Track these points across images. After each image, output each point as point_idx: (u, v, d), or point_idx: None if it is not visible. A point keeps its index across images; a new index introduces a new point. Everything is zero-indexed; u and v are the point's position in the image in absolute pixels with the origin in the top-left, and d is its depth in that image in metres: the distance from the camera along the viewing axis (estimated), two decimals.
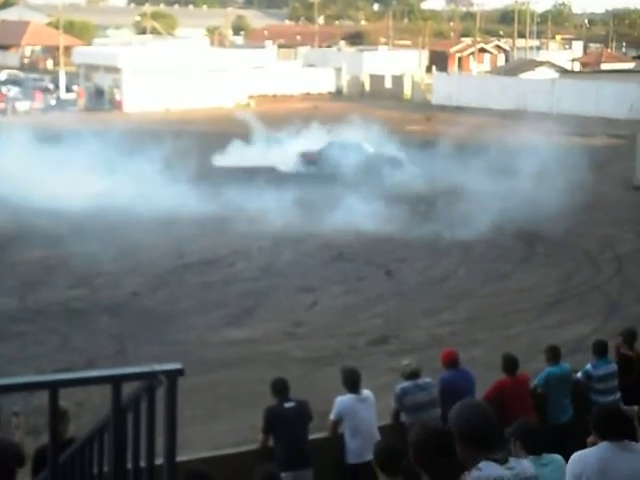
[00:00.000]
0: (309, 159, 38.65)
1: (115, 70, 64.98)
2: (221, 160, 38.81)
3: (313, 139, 39.92)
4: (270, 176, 34.92)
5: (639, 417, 7.63)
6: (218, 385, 16.26)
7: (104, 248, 25.08)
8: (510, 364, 10.65)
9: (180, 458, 7.32)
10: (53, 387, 3.96)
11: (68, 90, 69.31)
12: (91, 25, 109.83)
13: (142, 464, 4.49)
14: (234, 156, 38.83)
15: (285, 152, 38.63)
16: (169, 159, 33.25)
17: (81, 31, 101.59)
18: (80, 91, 66.75)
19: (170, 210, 28.21)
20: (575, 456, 6.17)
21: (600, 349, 11.27)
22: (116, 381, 4.06)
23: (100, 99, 65.56)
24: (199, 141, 40.88)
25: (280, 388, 9.80)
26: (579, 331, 18.83)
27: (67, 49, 75.64)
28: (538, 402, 10.85)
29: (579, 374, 11.25)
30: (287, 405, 9.68)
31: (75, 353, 17.68)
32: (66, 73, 71.48)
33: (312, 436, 9.99)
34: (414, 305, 21.39)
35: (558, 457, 7.59)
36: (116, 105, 64.17)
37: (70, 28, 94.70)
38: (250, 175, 34.64)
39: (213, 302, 21.51)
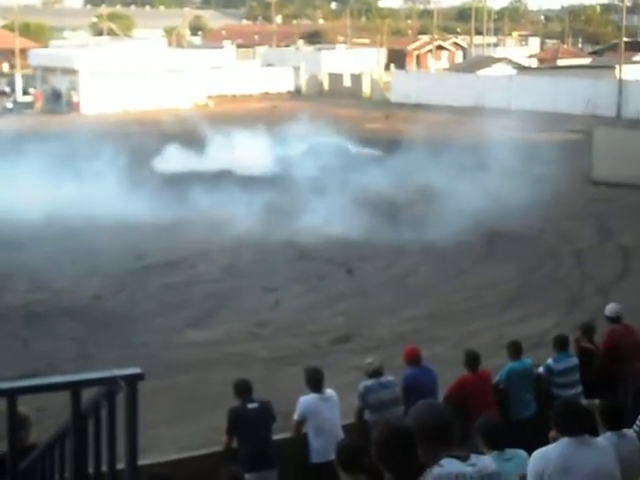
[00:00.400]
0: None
1: (72, 72, 64.51)
2: (163, 164, 37.42)
3: (272, 140, 39.75)
4: (230, 180, 34.39)
5: (600, 410, 7.68)
6: (181, 387, 16.19)
7: (62, 252, 24.84)
8: (472, 360, 10.69)
9: (143, 462, 7.29)
10: (10, 395, 3.93)
11: (25, 93, 68.77)
12: (47, 27, 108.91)
13: (104, 469, 4.47)
14: (177, 160, 37.67)
15: (242, 154, 38.10)
16: (126, 162, 32.99)
17: (37, 33, 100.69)
18: (37, 94, 66.19)
19: (128, 215, 27.86)
20: (536, 453, 6.20)
21: (561, 343, 11.35)
22: (75, 387, 4.04)
23: (57, 101, 65.06)
24: (157, 143, 40.60)
25: (243, 389, 9.78)
26: (541, 325, 18.95)
27: (23, 51, 74.91)
28: (500, 398, 10.90)
29: (540, 369, 11.31)
30: (250, 406, 9.66)
31: (36, 358, 17.51)
32: (22, 76, 70.90)
33: (276, 436, 9.98)
34: (376, 303, 21.43)
35: (521, 452, 7.63)
36: (73, 107, 63.67)
37: (26, 30, 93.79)
38: (206, 179, 33.89)
39: (175, 304, 21.41)
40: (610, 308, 12.22)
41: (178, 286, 22.85)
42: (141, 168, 34.25)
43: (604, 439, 7.04)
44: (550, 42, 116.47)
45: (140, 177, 32.00)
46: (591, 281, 22.84)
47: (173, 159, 37.85)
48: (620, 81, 60.57)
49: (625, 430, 7.55)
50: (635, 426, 8.24)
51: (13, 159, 32.86)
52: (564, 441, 6.15)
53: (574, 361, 11.29)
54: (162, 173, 35.62)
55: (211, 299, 21.73)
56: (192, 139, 40.13)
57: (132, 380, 4.02)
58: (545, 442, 6.95)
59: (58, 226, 26.84)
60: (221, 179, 33.58)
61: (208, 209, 28.63)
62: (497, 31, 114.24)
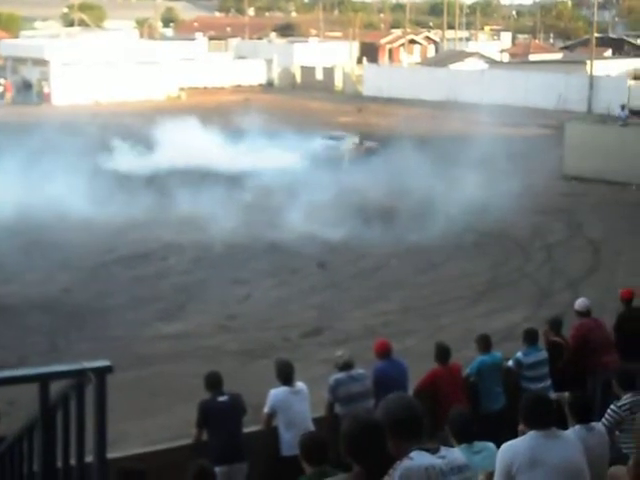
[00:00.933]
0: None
1: (43, 63, 64.07)
2: (115, 162, 36.28)
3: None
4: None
5: (569, 404, 7.73)
6: (152, 380, 16.15)
7: (31, 246, 24.56)
8: (442, 353, 10.72)
9: (113, 455, 7.29)
10: None
11: None
12: (18, 17, 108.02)
13: (72, 462, 4.45)
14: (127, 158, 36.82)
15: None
16: (93, 156, 32.70)
17: (7, 23, 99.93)
18: (7, 84, 65.65)
19: (96, 210, 27.52)
20: (504, 446, 6.23)
21: (530, 337, 11.40)
22: (44, 380, 4.02)
23: (28, 92, 64.55)
24: (126, 135, 40.31)
25: (213, 382, 9.77)
26: (510, 319, 19.05)
27: None
28: (470, 391, 10.94)
29: (510, 362, 11.37)
30: (221, 399, 9.65)
31: (6, 350, 17.38)
32: None
33: (246, 429, 9.97)
34: (347, 296, 21.45)
35: (490, 445, 7.66)
36: (44, 98, 63.24)
37: None
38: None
39: (145, 297, 21.33)
40: (579, 302, 12.31)
41: (148, 279, 22.75)
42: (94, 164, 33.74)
43: (573, 432, 7.09)
44: (522, 37, 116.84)
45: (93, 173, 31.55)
46: (560, 275, 22.98)
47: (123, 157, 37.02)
48: (591, 76, 60.92)
49: (594, 423, 7.60)
50: (604, 419, 8.30)
51: None
52: (532, 434, 6.17)
53: (543, 355, 11.35)
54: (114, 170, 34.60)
55: (181, 292, 21.66)
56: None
57: (101, 372, 4.01)
58: (514, 435, 6.98)
59: (26, 220, 26.46)
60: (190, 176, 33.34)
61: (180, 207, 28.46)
62: (469, 25, 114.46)
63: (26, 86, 64.92)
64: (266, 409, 9.89)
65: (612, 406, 8.46)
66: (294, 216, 26.46)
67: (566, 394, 8.77)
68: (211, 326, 19.35)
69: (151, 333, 18.88)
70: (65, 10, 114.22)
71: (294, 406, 9.79)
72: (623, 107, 50.62)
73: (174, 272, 23.42)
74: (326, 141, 39.83)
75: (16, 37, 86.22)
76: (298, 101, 57.18)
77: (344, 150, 38.72)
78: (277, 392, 9.85)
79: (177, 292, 21.66)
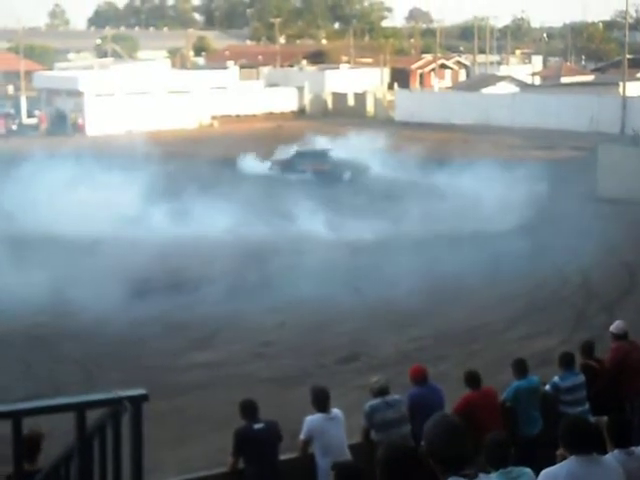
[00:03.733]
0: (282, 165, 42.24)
1: (77, 94, 64.80)
2: None
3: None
4: None
5: (608, 428, 7.64)
6: (187, 408, 16.15)
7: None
8: (472, 379, 10.65)
9: None
10: (16, 417, 3.91)
11: (30, 115, 68.98)
12: (51, 49, 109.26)
13: None
14: None
15: None
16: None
17: (41, 56, 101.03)
18: (42, 116, 66.39)
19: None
20: (544, 472, 6.16)
21: (567, 361, 11.31)
22: (80, 409, 4.03)
23: (62, 123, 65.26)
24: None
25: (249, 409, 9.74)
26: (546, 343, 18.90)
27: (27, 74, 75.21)
28: (507, 416, 10.86)
29: (547, 386, 11.28)
30: (257, 426, 9.62)
31: (42, 381, 17.45)
32: (27, 98, 71.11)
33: (283, 457, 9.93)
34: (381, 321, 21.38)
35: (527, 470, 7.58)
36: (78, 129, 63.90)
37: (30, 53, 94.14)
38: None
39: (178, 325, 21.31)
40: (616, 325, 12.20)
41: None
42: None
43: (612, 457, 7.00)
44: (553, 59, 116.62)
45: None
46: (596, 298, 22.79)
47: None
48: (624, 97, 60.62)
49: (633, 447, 7.51)
50: None
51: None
52: (572, 459, 6.10)
53: (581, 378, 11.25)
54: None
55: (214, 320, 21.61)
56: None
57: (137, 401, 4.02)
58: (552, 459, 6.91)
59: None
60: None
61: None
62: (500, 49, 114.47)
63: (60, 117, 65.63)
64: (302, 435, 9.87)
65: None
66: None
67: (604, 418, 8.67)
68: (245, 353, 19.35)
69: (184, 361, 18.88)
70: (98, 42, 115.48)
71: (330, 432, 9.76)
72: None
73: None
74: None
75: (50, 69, 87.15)
76: (330, 128, 57.24)
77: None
78: (313, 418, 9.82)
79: (211, 320, 21.62)
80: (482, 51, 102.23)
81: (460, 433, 4.63)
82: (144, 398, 4.03)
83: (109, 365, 18.51)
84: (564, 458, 6.40)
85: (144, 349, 19.65)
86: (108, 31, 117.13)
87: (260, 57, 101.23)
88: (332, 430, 9.77)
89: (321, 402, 9.86)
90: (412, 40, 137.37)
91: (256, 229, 29.06)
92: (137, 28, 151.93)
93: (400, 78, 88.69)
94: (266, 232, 28.94)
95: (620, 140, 49.46)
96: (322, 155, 43.11)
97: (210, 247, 27.33)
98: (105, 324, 20.89)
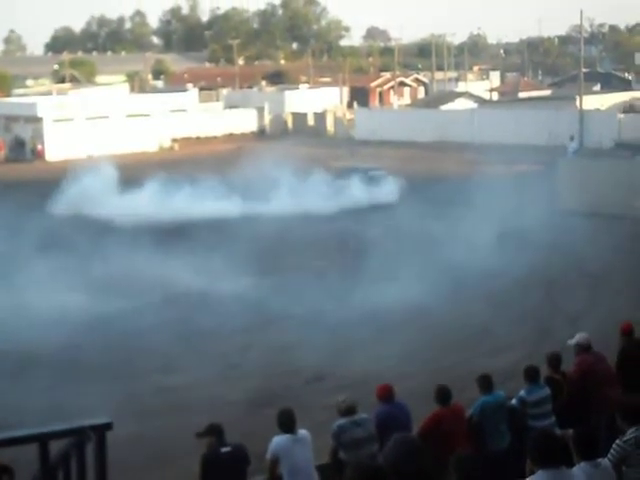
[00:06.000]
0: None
1: (35, 120, 64.48)
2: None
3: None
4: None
5: (574, 440, 7.67)
6: (153, 433, 16.03)
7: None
8: (442, 395, 10.67)
9: None
10: None
11: None
12: (9, 76, 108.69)
13: None
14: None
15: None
16: None
17: None
18: (0, 142, 66.00)
19: None
20: None
21: (532, 374, 11.36)
22: (43, 440, 3.98)
23: (21, 150, 64.93)
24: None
25: (214, 433, 9.68)
26: (511, 358, 18.97)
27: None
28: (474, 431, 10.88)
29: (513, 400, 11.32)
30: (224, 450, 9.57)
31: (3, 409, 17.22)
32: None
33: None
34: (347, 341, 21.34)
35: None
36: (38, 155, 63.57)
37: None
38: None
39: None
40: (580, 337, 12.27)
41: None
42: None
43: (579, 470, 7.04)
44: (510, 75, 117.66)
45: None
46: (560, 312, 22.92)
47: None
48: (581, 111, 61.24)
49: (600, 459, 7.54)
50: (609, 455, 8.24)
51: None
52: (540, 474, 6.13)
53: (546, 392, 11.29)
54: None
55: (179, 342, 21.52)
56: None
57: (100, 430, 3.98)
58: (521, 474, 6.93)
59: None
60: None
61: None
62: (458, 66, 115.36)
63: (19, 144, 65.26)
64: (268, 455, 9.79)
65: (617, 441, 8.40)
66: None
67: (570, 431, 8.72)
68: (213, 377, 19.25)
69: (150, 386, 18.76)
70: (56, 67, 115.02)
71: (297, 454, 9.72)
72: (572, 138, 50.98)
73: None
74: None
75: (8, 96, 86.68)
76: (291, 147, 57.33)
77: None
78: (279, 439, 9.78)
79: (176, 343, 21.51)
80: (440, 68, 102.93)
81: (418, 449, 4.64)
82: (108, 427, 3.99)
83: (75, 392, 18.31)
84: (533, 472, 6.42)
85: None
86: (66, 56, 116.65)
87: (219, 79, 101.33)
88: (299, 451, 9.73)
89: (287, 424, 9.82)
90: (370, 59, 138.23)
91: None
92: (95, 53, 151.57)
93: (359, 97, 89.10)
94: None
95: (580, 152, 49.96)
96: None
97: None
98: None
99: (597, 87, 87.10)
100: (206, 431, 9.67)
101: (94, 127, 64.54)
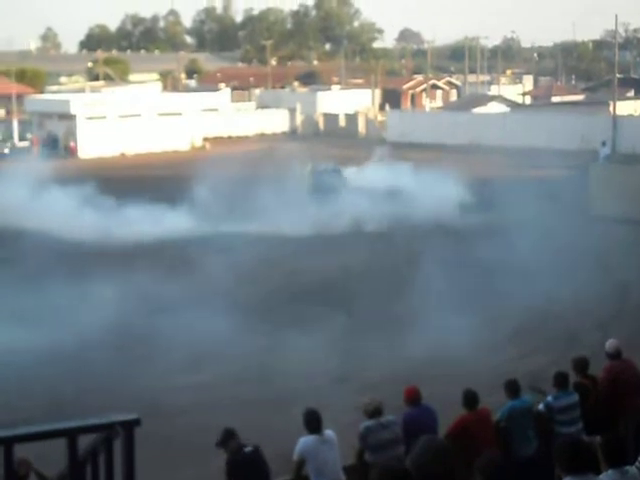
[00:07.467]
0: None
1: (68, 117, 64.87)
2: None
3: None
4: None
5: (602, 447, 7.61)
6: (180, 432, 16.07)
7: None
8: (470, 399, 10.64)
9: None
10: (7, 443, 3.88)
11: (22, 139, 69.05)
12: (43, 73, 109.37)
13: None
14: None
15: None
16: None
17: (33, 79, 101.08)
18: (34, 139, 66.48)
19: None
20: None
21: (560, 380, 11.29)
22: (71, 434, 4.00)
23: (55, 146, 65.31)
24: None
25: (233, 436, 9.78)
26: (539, 363, 18.87)
27: (19, 97, 75.29)
28: (501, 436, 10.84)
29: (540, 406, 11.26)
30: (247, 450, 9.65)
31: (32, 404, 17.32)
32: (19, 122, 71.19)
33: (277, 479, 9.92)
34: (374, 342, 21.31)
35: None
36: (71, 152, 63.96)
37: (22, 76, 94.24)
38: None
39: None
40: (609, 344, 12.18)
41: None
42: None
43: (606, 477, 6.98)
44: (543, 79, 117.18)
45: None
46: (590, 317, 22.78)
47: None
48: (614, 116, 60.86)
49: (627, 467, 7.48)
50: (637, 462, 8.17)
51: None
52: None
53: (574, 398, 11.22)
54: None
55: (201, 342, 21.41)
56: None
57: (129, 426, 4.00)
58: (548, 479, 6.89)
59: None
60: None
61: None
62: (490, 69, 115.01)
63: (52, 140, 65.65)
64: (295, 456, 9.83)
65: None
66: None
67: (598, 438, 8.66)
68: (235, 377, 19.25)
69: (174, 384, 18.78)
70: (90, 65, 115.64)
71: (323, 454, 9.73)
72: (604, 143, 50.51)
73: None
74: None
75: (42, 93, 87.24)
76: (322, 148, 57.39)
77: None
78: (306, 440, 9.79)
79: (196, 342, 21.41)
80: (473, 71, 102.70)
81: (445, 452, 4.63)
82: (136, 423, 4.01)
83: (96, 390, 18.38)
84: (561, 479, 6.38)
85: None
86: (100, 54, 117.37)
87: (252, 79, 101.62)
88: (325, 452, 9.73)
89: (313, 424, 9.83)
90: (403, 61, 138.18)
91: None
92: (129, 51, 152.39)
93: (391, 99, 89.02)
94: None
95: (611, 158, 49.66)
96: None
97: None
98: None
99: (631, 93, 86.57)
100: (225, 437, 9.73)
101: (126, 125, 64.87)
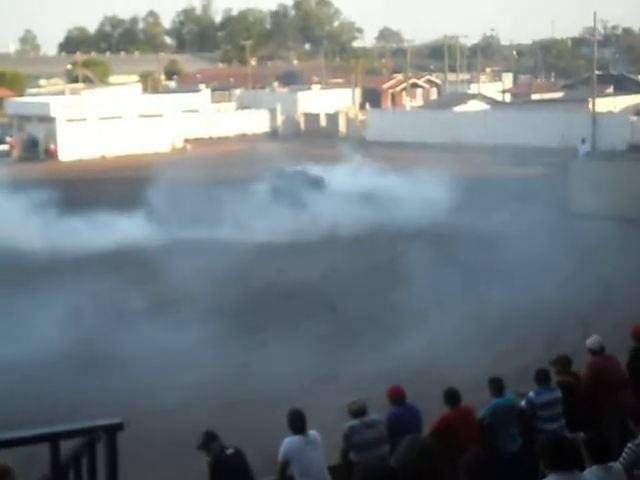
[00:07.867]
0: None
1: (48, 119, 64.61)
2: None
3: None
4: None
5: (585, 443, 7.64)
6: (163, 433, 16.03)
7: None
8: (452, 397, 10.66)
9: None
10: None
11: (1, 142, 68.75)
12: (22, 75, 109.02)
13: None
14: None
15: None
16: None
17: (12, 82, 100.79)
18: (14, 142, 66.21)
19: None
20: None
21: (542, 377, 11.32)
22: (53, 439, 3.98)
23: (35, 149, 65.05)
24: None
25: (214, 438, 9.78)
26: (522, 360, 18.91)
27: None
28: (485, 434, 10.86)
29: (522, 402, 11.29)
30: (229, 452, 9.65)
31: (14, 408, 17.24)
32: None
33: None
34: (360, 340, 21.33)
35: None
36: (51, 154, 63.72)
37: (1, 79, 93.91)
38: None
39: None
40: (592, 340, 12.22)
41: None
42: None
43: (590, 473, 7.01)
44: (523, 77, 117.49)
45: None
46: (572, 314, 22.83)
47: None
48: (593, 113, 61.06)
49: (611, 463, 7.51)
50: (621, 458, 8.20)
51: None
52: (552, 478, 6.11)
53: (557, 394, 11.25)
54: None
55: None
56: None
57: (112, 430, 3.98)
58: (532, 475, 6.91)
59: None
60: None
61: None
62: (470, 67, 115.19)
63: (32, 143, 65.40)
64: (280, 457, 9.83)
65: (629, 444, 8.37)
66: None
67: (581, 434, 8.69)
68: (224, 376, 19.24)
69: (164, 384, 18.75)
70: (69, 67, 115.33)
71: (308, 455, 9.73)
72: (584, 140, 50.67)
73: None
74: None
75: (21, 95, 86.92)
76: (303, 148, 57.42)
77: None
78: (290, 440, 9.80)
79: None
80: (453, 70, 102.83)
81: (430, 450, 4.64)
82: (119, 427, 3.99)
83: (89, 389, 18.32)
84: (545, 475, 6.40)
85: None
86: (79, 56, 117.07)
87: (232, 79, 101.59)
88: (310, 453, 9.74)
89: (298, 425, 9.83)
90: (383, 60, 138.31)
91: None
92: (108, 53, 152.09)
93: (372, 98, 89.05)
94: None
95: (591, 155, 49.81)
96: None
97: None
98: None
99: (610, 89, 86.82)
100: (206, 440, 9.72)
101: (107, 127, 64.67)
